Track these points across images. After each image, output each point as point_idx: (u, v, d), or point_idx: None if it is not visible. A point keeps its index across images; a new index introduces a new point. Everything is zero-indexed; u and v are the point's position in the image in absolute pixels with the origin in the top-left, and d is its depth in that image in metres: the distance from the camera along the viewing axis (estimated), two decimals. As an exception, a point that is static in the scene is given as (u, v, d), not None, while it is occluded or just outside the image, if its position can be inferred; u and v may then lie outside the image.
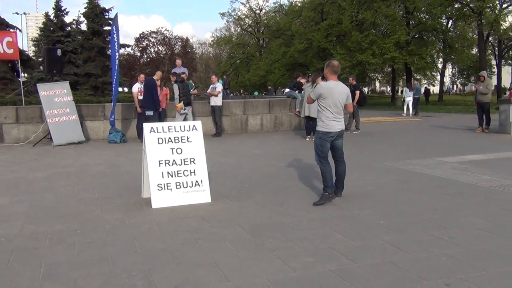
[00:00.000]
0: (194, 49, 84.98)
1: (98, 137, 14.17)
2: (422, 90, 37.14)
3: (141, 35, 71.86)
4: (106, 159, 10.33)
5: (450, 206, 5.89)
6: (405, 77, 40.69)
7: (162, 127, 6.33)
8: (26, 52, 28.91)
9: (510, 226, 5.00)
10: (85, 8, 27.45)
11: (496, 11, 32.71)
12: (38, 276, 3.87)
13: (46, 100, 12.88)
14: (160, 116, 13.91)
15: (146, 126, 6.28)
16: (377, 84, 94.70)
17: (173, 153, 6.26)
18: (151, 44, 71.65)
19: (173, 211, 5.83)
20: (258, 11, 59.31)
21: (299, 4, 48.36)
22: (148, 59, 70.50)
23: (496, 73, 45.86)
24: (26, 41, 51.29)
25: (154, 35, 71.58)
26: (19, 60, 15.55)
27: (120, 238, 4.82)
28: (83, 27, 28.98)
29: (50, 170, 8.97)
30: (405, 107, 25.43)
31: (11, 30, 29.30)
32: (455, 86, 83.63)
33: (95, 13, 27.07)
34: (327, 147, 6.29)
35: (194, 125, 6.49)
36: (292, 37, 46.14)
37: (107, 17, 27.94)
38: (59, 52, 13.93)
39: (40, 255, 4.37)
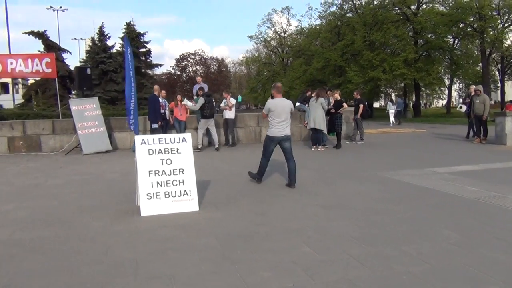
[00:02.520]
0: (228, 68, 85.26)
1: (125, 146, 13.93)
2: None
3: (181, 56, 72.44)
4: (123, 167, 9.99)
5: (427, 217, 5.27)
6: (414, 91, 39.50)
7: (153, 139, 5.93)
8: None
9: (482, 242, 4.36)
10: (123, 33, 27.65)
11: (498, 30, 31.38)
12: (-2, 286, 3.49)
13: (77, 114, 12.74)
14: (180, 127, 13.65)
15: (138, 138, 5.90)
16: (393, 97, 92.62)
17: (162, 164, 5.84)
18: (189, 64, 72.12)
19: (158, 219, 5.40)
20: (282, 34, 58.94)
21: (318, 27, 47.76)
22: (187, 78, 70.90)
23: (500, 87, 44.05)
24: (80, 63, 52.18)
25: (192, 56, 72.05)
26: (56, 78, 15.43)
27: (95, 247, 4.41)
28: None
29: (68, 177, 8.69)
30: (391, 118, 26.37)
31: (62, 53, 29.84)
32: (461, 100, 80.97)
33: (132, 37, 27.18)
34: (271, 148, 7.41)
35: (184, 137, 6.07)
36: (312, 57, 45.42)
37: (142, 40, 28.07)
38: (88, 71, 13.80)
39: (13, 262, 4.00)
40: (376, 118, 33.92)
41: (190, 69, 72.38)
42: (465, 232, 4.67)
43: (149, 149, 5.84)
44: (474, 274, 3.56)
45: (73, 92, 30.64)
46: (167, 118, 13.71)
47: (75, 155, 12.43)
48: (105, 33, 29.58)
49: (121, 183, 7.93)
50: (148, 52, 29.45)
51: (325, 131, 12.71)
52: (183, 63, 71.79)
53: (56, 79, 15.55)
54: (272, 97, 7.79)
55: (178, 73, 71.08)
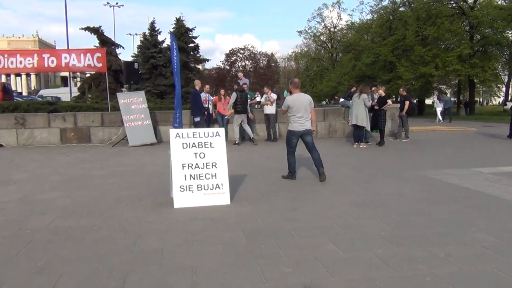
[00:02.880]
0: (278, 63, 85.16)
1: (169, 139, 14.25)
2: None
3: (231, 51, 73.16)
4: (165, 160, 10.14)
5: (464, 219, 5.07)
6: (469, 88, 37.80)
7: (187, 132, 6.06)
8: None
9: (518, 246, 4.16)
10: (173, 28, 28.24)
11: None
12: (33, 269, 3.70)
13: (124, 107, 13.18)
14: (223, 122, 13.84)
15: (172, 132, 6.05)
16: (448, 95, 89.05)
17: (196, 157, 5.96)
18: (238, 59, 72.68)
19: (190, 211, 5.52)
20: (332, 29, 58.06)
21: (369, 22, 46.66)
22: (236, 72, 71.44)
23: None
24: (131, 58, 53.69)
25: (242, 51, 72.57)
26: (106, 73, 15.99)
27: (126, 236, 4.57)
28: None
29: (111, 168, 9.03)
30: (438, 115, 25.98)
31: (116, 48, 30.85)
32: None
33: (181, 32, 27.70)
34: (294, 143, 7.51)
35: (217, 132, 6.15)
36: (361, 52, 44.51)
37: (190, 35, 28.53)
38: (136, 65, 14.23)
39: (49, 249, 4.21)
40: (427, 115, 32.90)
41: (239, 64, 73.07)
42: (502, 235, 4.45)
43: (183, 143, 5.98)
44: (502, 279, 3.40)
45: (125, 86, 31.79)
46: (210, 113, 13.94)
47: (122, 147, 12.89)
48: (156, 29, 30.34)
49: (160, 175, 8.14)
50: (196, 47, 29.96)
51: (368, 128, 12.45)
52: (233, 58, 72.56)
53: (107, 73, 16.10)
54: (291, 93, 7.85)
55: (228, 67, 71.90)
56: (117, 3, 53.49)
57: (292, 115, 7.41)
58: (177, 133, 6.01)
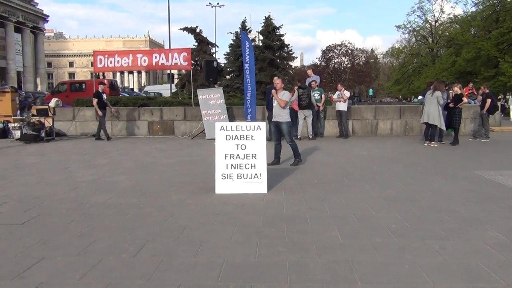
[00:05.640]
0: (378, 60, 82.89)
1: (246, 134, 14.98)
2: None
3: (327, 48, 72.96)
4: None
5: (485, 218, 5.00)
6: None
7: (231, 126, 6.61)
8: (220, 64, 31.73)
9: (525, 245, 4.10)
10: (262, 27, 29.15)
11: None
12: (77, 234, 4.49)
13: (203, 102, 14.15)
14: (291, 118, 14.22)
15: (218, 125, 6.64)
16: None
17: (237, 149, 6.49)
18: (335, 56, 72.14)
19: (227, 197, 6.05)
20: (433, 22, 55.12)
21: (473, 14, 43.61)
22: (332, 69, 71.14)
23: None
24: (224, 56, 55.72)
25: (339, 47, 71.95)
26: (191, 71, 17.20)
27: (162, 214, 5.23)
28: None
29: (180, 158, 9.92)
30: (511, 113, 25.55)
31: (212, 46, 32.58)
32: None
33: (268, 31, 28.47)
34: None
35: (258, 126, 6.62)
36: (463, 47, 41.89)
37: (277, 33, 29.18)
38: (215, 63, 15.16)
39: (97, 219, 5.02)
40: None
41: (336, 61, 72.45)
42: (516, 236, 4.39)
43: (226, 135, 6.55)
44: (480, 271, 3.46)
45: (218, 82, 33.46)
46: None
47: (200, 139, 13.87)
48: (247, 27, 31.50)
49: (219, 165, 8.81)
50: (283, 44, 30.56)
51: (441, 126, 12.04)
52: (329, 55, 72.18)
53: (191, 71, 17.31)
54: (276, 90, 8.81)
55: (324, 64, 71.71)
56: (218, 3, 55.94)
57: (287, 108, 8.60)
58: (222, 126, 6.60)
